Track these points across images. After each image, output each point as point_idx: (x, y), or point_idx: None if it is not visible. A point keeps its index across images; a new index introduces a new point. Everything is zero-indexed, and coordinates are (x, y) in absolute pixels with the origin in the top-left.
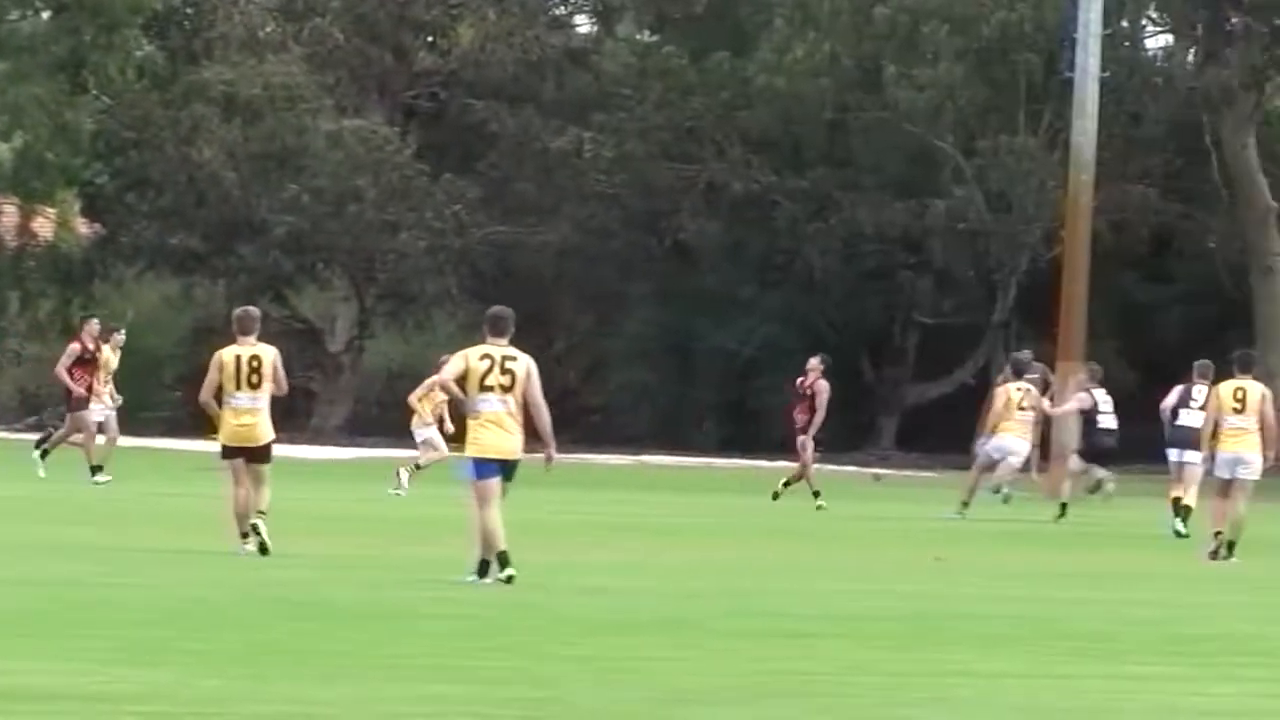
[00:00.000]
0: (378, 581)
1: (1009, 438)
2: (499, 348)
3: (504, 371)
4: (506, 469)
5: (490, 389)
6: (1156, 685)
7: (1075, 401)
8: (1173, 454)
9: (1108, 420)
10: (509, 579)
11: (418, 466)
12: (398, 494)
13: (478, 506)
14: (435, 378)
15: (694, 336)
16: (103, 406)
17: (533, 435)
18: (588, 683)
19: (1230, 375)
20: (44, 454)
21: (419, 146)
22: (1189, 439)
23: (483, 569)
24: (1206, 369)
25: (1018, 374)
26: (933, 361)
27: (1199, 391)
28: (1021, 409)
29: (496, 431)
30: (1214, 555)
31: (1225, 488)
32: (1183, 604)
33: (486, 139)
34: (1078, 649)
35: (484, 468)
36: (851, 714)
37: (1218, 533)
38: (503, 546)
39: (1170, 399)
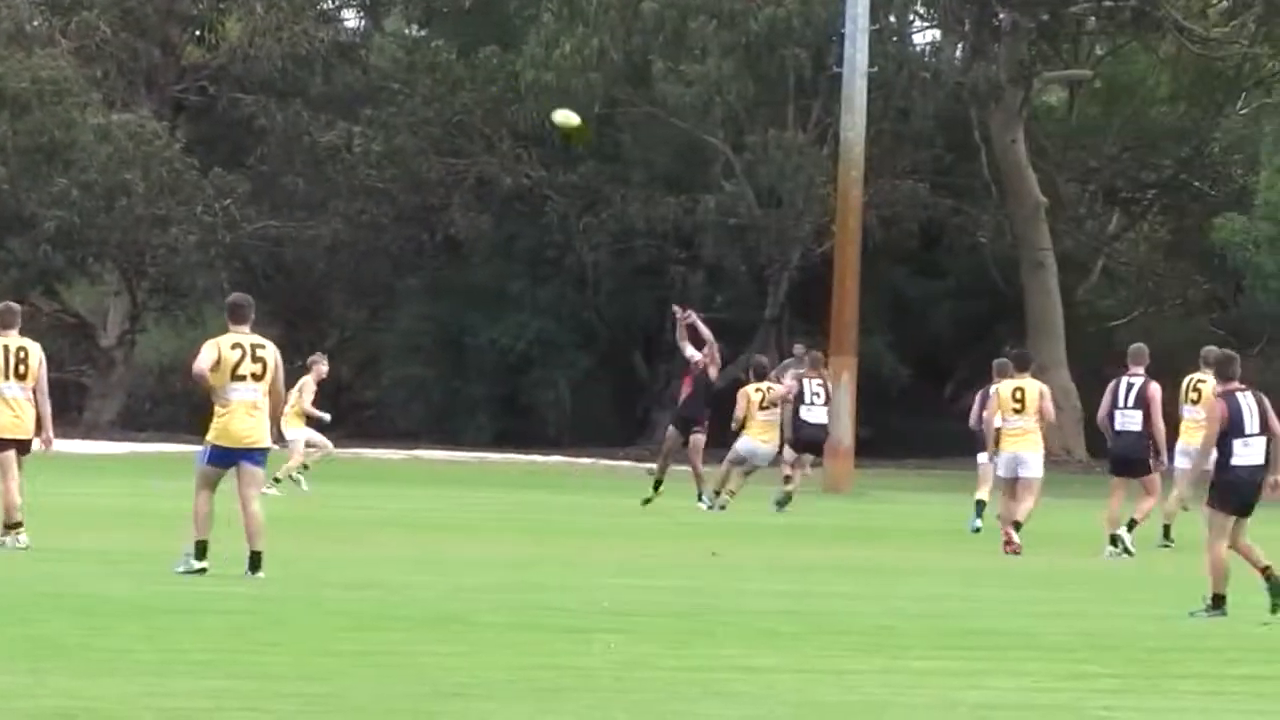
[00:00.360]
0: (154, 576)
1: (748, 439)
2: (247, 336)
3: (255, 359)
4: (253, 457)
5: (242, 378)
6: (934, 680)
7: (782, 388)
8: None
9: (816, 413)
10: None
11: (305, 466)
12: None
13: (196, 489)
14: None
15: (466, 331)
16: None
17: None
18: (364, 677)
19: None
20: None
21: (188, 141)
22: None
23: (200, 551)
24: (1005, 367)
25: (759, 376)
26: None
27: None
28: (763, 409)
29: (242, 421)
30: (1009, 547)
31: (1010, 487)
32: (960, 598)
33: (256, 133)
34: (855, 644)
35: (219, 456)
36: (628, 709)
37: (1016, 524)
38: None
39: (977, 406)
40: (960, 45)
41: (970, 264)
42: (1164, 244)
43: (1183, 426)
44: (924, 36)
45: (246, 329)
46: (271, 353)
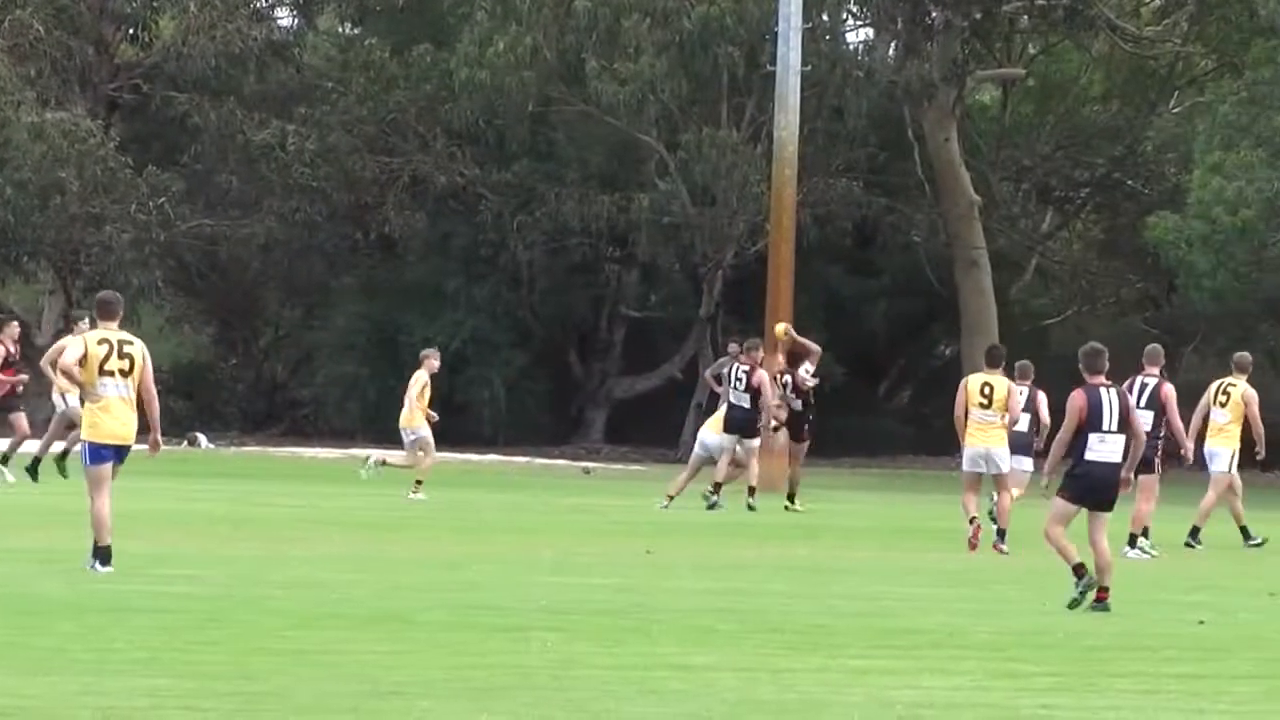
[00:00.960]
0: (87, 575)
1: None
2: (114, 332)
3: (122, 355)
4: (120, 454)
5: (110, 374)
6: (870, 678)
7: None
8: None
9: (738, 396)
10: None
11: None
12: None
13: (91, 493)
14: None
15: (401, 330)
16: None
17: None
18: (303, 676)
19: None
20: None
21: (122, 139)
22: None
23: (103, 555)
24: (1027, 369)
25: (717, 380)
26: (640, 355)
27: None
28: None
29: (115, 417)
30: (973, 544)
31: (974, 481)
32: (895, 597)
33: (190, 132)
34: (791, 642)
35: (100, 453)
36: (564, 707)
37: (973, 519)
38: (108, 541)
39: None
40: (893, 44)
41: (904, 262)
42: (1097, 243)
43: (1211, 429)
44: (857, 35)
45: (115, 325)
46: (139, 349)
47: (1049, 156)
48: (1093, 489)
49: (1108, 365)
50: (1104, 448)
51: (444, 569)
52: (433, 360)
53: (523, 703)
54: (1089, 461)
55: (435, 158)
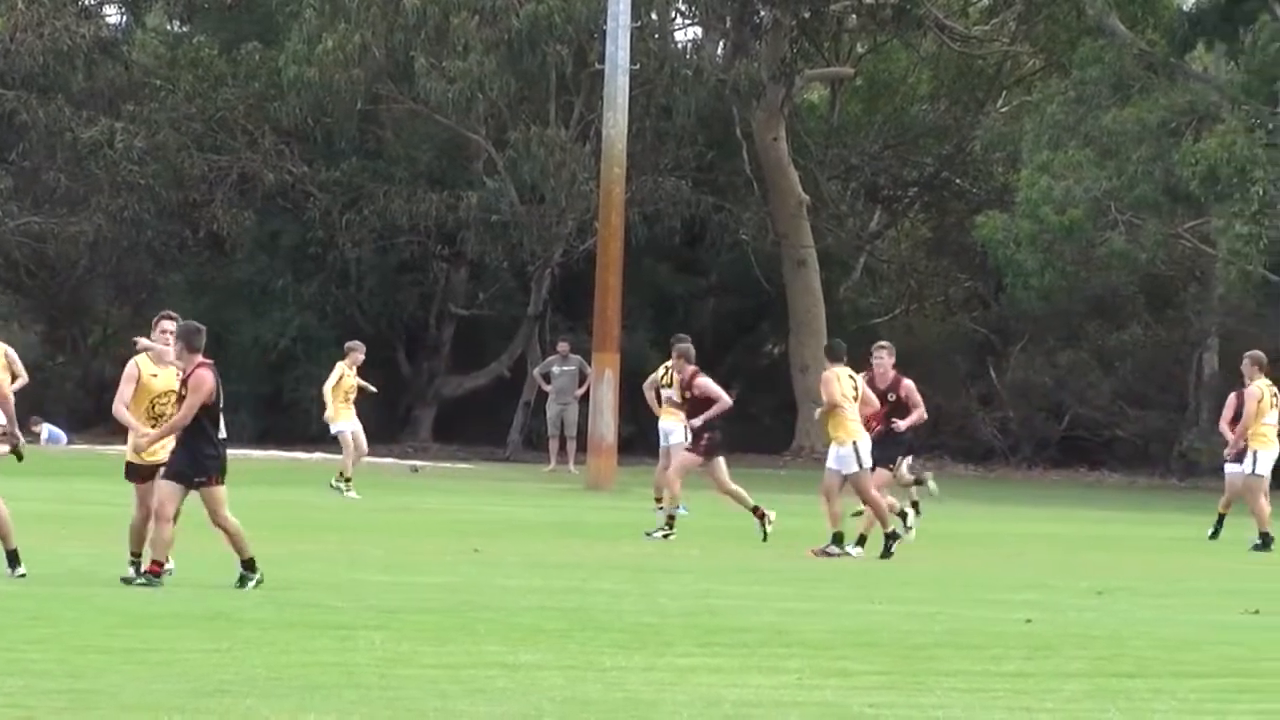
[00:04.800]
0: None
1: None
2: None
3: None
4: None
5: None
6: (698, 677)
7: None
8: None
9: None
10: None
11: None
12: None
13: None
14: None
15: (229, 328)
16: None
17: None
18: (131, 674)
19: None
20: None
21: None
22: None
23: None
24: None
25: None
26: (468, 353)
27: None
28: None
29: None
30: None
31: (843, 481)
32: (722, 595)
33: (17, 129)
34: (619, 641)
35: None
36: (391, 707)
37: (857, 512)
38: None
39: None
40: (722, 43)
41: (733, 261)
42: (925, 242)
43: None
44: (686, 34)
45: None
46: None
47: (877, 155)
48: None
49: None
50: None
51: (272, 567)
52: (356, 354)
53: (349, 701)
54: None
55: (264, 155)
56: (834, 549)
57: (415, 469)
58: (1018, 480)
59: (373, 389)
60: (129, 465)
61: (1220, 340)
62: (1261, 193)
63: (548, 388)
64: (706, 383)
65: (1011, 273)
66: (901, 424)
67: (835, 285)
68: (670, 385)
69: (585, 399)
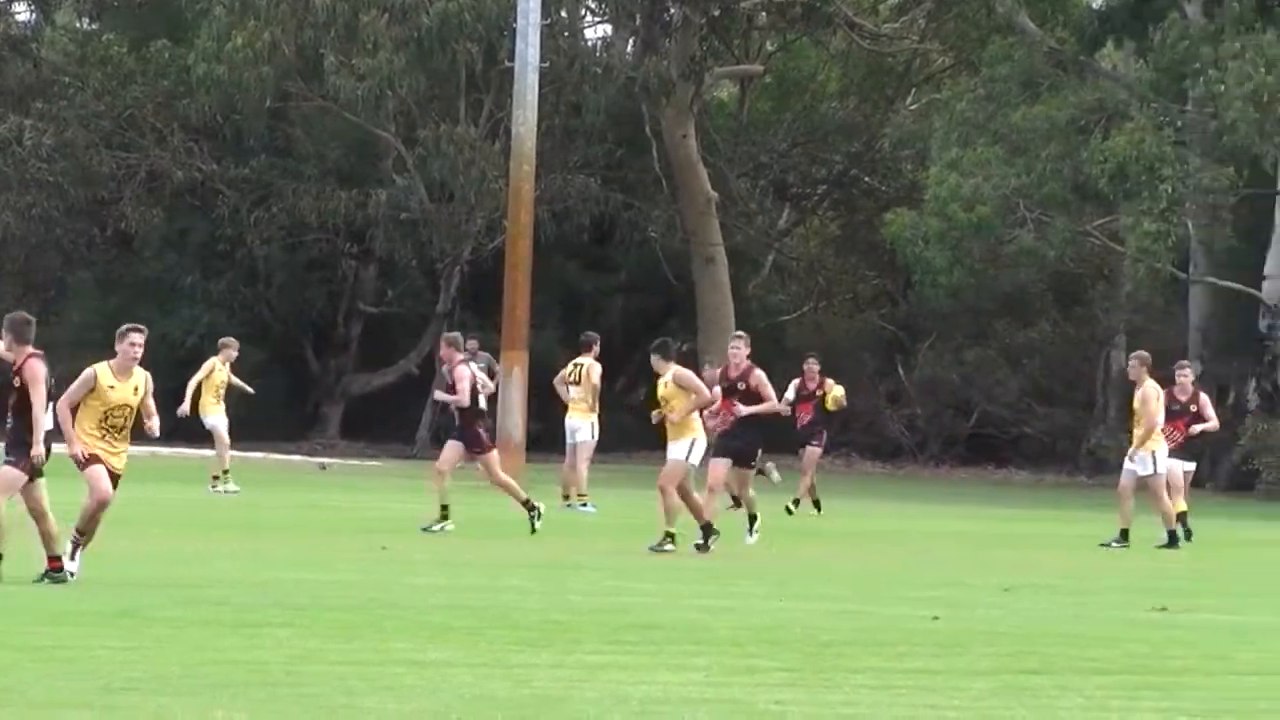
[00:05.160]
0: None
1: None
2: None
3: None
4: None
5: None
6: (606, 674)
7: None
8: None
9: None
10: None
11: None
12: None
13: None
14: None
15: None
16: None
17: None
18: (40, 672)
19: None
20: None
21: None
22: None
23: None
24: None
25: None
26: (377, 350)
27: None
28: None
29: None
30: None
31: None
32: (630, 592)
33: None
34: (527, 638)
35: None
36: (300, 703)
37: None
38: None
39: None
40: (631, 40)
41: (642, 259)
42: (834, 239)
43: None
44: (595, 31)
45: None
46: None
47: (786, 153)
48: None
49: None
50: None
51: (181, 565)
52: (230, 350)
53: (257, 699)
54: None
55: (173, 153)
56: (676, 543)
57: (323, 466)
58: (925, 478)
59: (249, 390)
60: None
61: (1128, 337)
62: (1170, 190)
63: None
64: (460, 373)
65: (920, 270)
66: (742, 409)
67: (744, 282)
68: (578, 382)
69: (494, 397)
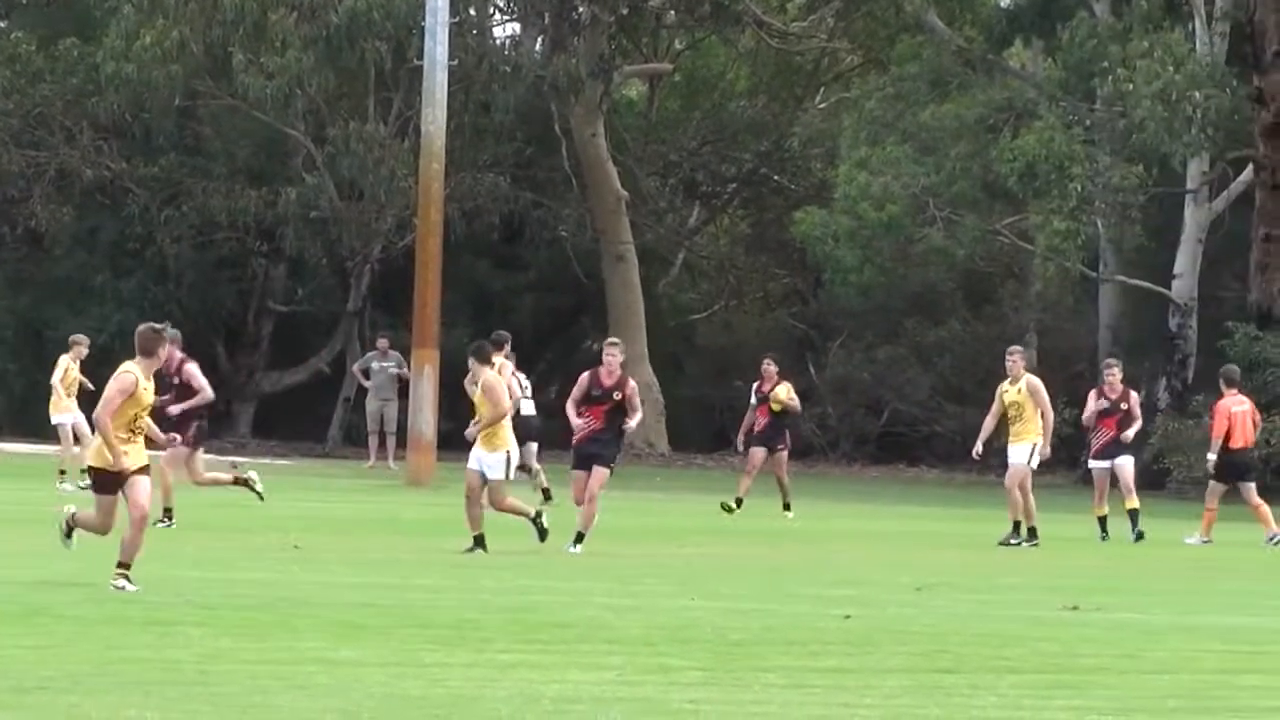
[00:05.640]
0: None
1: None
2: None
3: None
4: None
5: None
6: (518, 673)
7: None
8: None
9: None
10: None
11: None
12: None
13: None
14: None
15: (48, 324)
16: None
17: None
18: None
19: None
20: None
21: None
22: None
23: None
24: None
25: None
26: (288, 349)
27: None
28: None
29: None
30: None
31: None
32: (543, 591)
33: None
34: (440, 637)
35: None
36: (212, 702)
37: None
38: None
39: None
40: (540, 39)
41: (552, 257)
42: (744, 238)
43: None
44: (504, 30)
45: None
46: None
47: (695, 152)
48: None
49: None
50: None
51: (91, 563)
52: (80, 347)
53: (169, 697)
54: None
55: (82, 151)
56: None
57: (234, 466)
58: (837, 476)
59: (91, 386)
60: (102, 473)
61: (1038, 336)
62: (1079, 189)
63: (367, 384)
64: (193, 371)
65: (830, 268)
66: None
67: (654, 281)
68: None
69: (405, 395)
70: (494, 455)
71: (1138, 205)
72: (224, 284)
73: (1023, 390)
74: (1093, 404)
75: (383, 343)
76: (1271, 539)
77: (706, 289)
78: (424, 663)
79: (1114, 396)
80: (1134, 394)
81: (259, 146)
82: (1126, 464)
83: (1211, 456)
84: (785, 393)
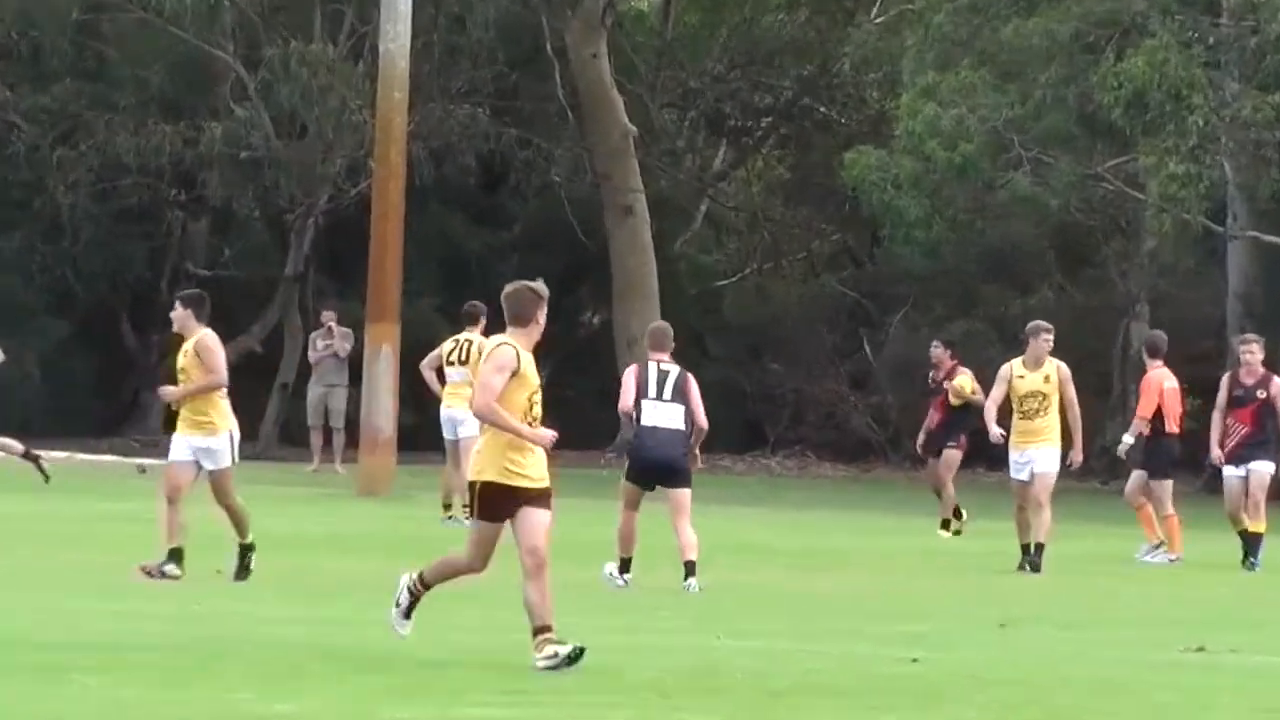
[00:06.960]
0: None
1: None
2: None
3: None
4: None
5: None
6: None
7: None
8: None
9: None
10: None
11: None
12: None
13: None
14: None
15: None
16: None
17: None
18: None
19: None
20: None
21: None
22: None
23: None
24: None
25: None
26: (211, 324)
27: None
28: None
29: None
30: None
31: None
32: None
33: None
34: (399, 686)
35: None
36: None
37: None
38: None
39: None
40: None
41: (542, 209)
42: (783, 184)
43: None
44: None
45: None
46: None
47: (722, 78)
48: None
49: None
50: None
51: None
52: None
53: None
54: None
55: None
56: (171, 568)
57: (142, 469)
58: (900, 482)
59: None
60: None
61: (1151, 306)
62: (1201, 123)
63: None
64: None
65: (890, 223)
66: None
67: (670, 239)
68: (465, 362)
69: (356, 382)
70: (216, 440)
71: (1274, 143)
72: (131, 241)
73: (1052, 378)
74: (1225, 391)
75: (329, 315)
76: (1150, 552)
77: (735, 248)
78: (382, 718)
79: (1250, 382)
80: (1277, 379)
81: (176, 71)
82: (1263, 471)
83: (1129, 439)
84: (969, 384)
